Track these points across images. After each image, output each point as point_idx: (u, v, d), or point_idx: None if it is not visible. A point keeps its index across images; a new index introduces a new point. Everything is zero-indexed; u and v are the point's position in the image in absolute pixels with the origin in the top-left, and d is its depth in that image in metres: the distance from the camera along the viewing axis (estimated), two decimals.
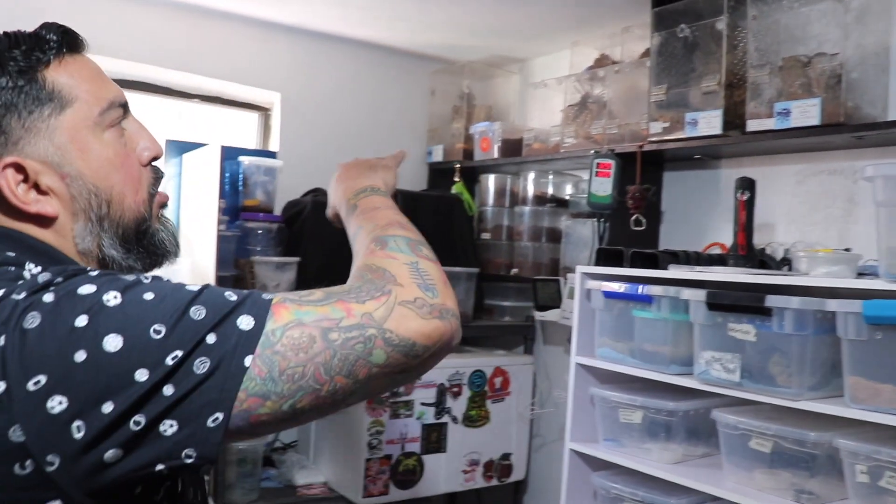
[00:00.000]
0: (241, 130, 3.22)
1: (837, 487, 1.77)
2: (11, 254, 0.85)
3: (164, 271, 0.95)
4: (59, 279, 0.77)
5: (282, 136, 3.13)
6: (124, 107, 0.97)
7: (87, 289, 0.76)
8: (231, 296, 0.79)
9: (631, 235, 2.51)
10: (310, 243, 2.79)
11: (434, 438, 2.78)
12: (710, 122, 2.25)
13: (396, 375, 0.83)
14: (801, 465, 1.81)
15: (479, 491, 3.02)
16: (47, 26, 0.92)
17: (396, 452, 2.69)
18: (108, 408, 0.71)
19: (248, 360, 0.75)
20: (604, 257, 2.39)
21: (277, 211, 2.94)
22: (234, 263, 2.69)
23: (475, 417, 2.88)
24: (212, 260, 2.43)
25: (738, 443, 1.93)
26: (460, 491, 2.93)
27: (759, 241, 2.19)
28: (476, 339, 3.16)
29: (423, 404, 2.74)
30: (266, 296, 0.81)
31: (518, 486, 3.14)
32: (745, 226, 2.09)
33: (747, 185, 2.09)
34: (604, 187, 2.49)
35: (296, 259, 2.76)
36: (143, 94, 2.95)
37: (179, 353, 0.73)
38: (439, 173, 3.42)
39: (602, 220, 2.59)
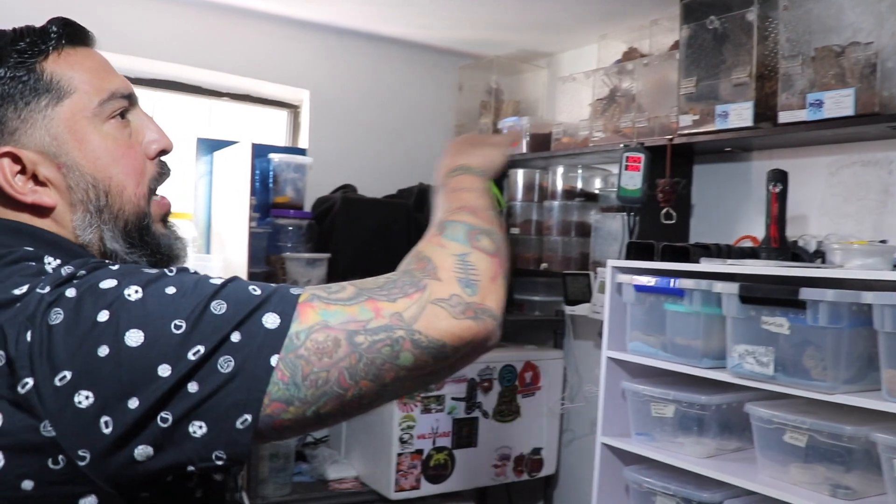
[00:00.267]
0: (271, 128, 3.25)
1: (875, 482, 1.75)
2: (30, 248, 0.83)
3: (198, 267, 0.93)
4: (83, 271, 0.77)
5: (311, 133, 3.16)
6: (129, 98, 0.95)
7: (108, 283, 0.75)
8: (255, 290, 0.78)
9: (661, 229, 2.50)
10: (340, 239, 2.81)
11: (465, 433, 2.79)
12: (740, 115, 2.23)
13: (426, 377, 0.81)
14: (837, 460, 1.79)
15: (509, 485, 3.03)
16: (53, 20, 0.92)
17: (427, 447, 2.71)
18: (133, 403, 0.71)
19: (273, 360, 0.74)
20: (634, 251, 2.38)
21: (307, 207, 2.96)
22: (266, 260, 2.72)
23: (506, 412, 2.88)
24: (244, 256, 2.46)
25: (773, 437, 1.92)
26: (491, 485, 2.94)
27: (791, 233, 2.17)
28: (506, 334, 3.12)
29: (453, 399, 2.75)
30: (294, 290, 0.79)
31: (548, 481, 3.13)
32: (777, 218, 2.07)
33: (780, 177, 2.08)
34: (633, 181, 2.48)
35: (326, 255, 2.78)
36: (173, 94, 2.99)
37: (201, 348, 0.72)
38: None
39: (632, 213, 2.58)
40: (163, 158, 0.99)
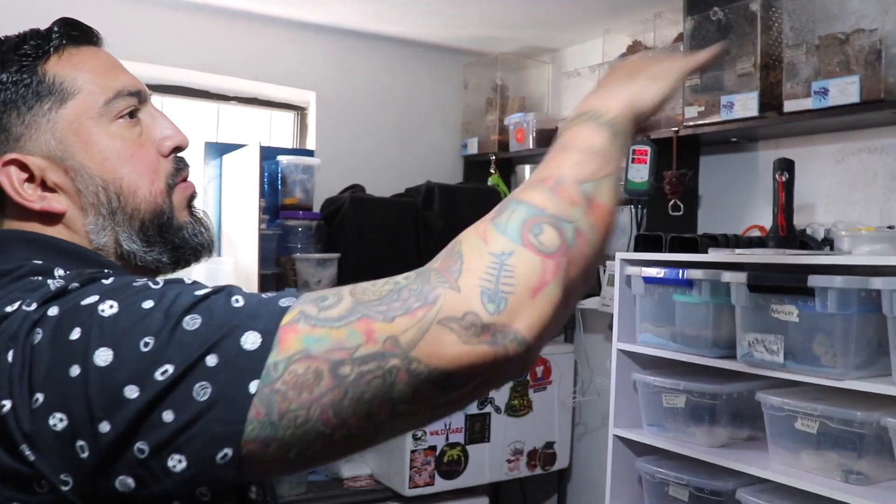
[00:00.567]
0: (279, 130, 3.27)
1: (887, 467, 1.75)
2: (38, 262, 0.79)
3: (209, 270, 0.88)
4: (76, 284, 0.72)
5: (318, 135, 3.17)
6: (138, 96, 0.91)
7: (90, 299, 0.69)
8: (238, 302, 0.69)
9: (669, 221, 2.51)
10: (349, 239, 2.83)
11: (477, 429, 2.80)
12: (746, 105, 2.23)
13: (436, 410, 0.69)
14: (849, 446, 1.79)
15: (522, 480, 3.04)
16: (56, 21, 0.88)
17: (441, 443, 2.72)
18: (104, 427, 0.65)
19: (253, 387, 0.64)
20: (642, 243, 2.39)
21: (316, 208, 2.98)
22: (276, 261, 2.74)
23: (518, 407, 2.89)
24: (254, 258, 2.48)
25: (784, 424, 1.92)
26: (504, 480, 2.95)
27: (798, 222, 2.17)
28: None
29: None
30: (284, 302, 0.69)
31: (562, 475, 3.15)
32: (784, 207, 2.07)
33: (786, 166, 2.08)
34: (640, 174, 2.48)
35: (336, 255, 2.79)
36: (181, 98, 3.01)
37: (169, 367, 0.64)
38: (475, 166, 3.44)
39: (639, 206, 2.59)
40: (179, 155, 0.94)
